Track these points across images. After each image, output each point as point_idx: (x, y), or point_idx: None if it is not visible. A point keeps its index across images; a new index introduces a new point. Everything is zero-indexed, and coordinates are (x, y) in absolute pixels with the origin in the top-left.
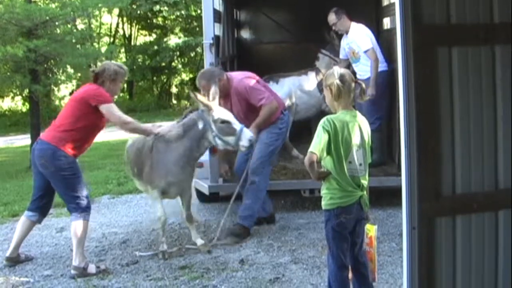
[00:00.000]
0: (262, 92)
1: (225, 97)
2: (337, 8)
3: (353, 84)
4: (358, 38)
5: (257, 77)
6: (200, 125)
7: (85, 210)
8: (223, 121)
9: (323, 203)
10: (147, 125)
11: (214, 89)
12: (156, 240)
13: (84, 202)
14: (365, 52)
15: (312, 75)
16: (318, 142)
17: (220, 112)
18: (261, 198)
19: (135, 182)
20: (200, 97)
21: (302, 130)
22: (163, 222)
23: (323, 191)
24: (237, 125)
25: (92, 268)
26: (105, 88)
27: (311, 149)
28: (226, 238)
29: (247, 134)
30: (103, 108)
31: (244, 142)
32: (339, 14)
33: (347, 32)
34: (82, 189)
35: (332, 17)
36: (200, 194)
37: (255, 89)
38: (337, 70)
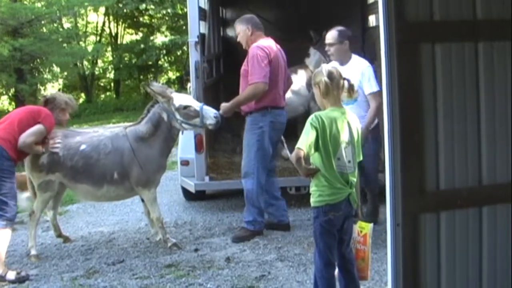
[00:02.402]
0: (260, 70)
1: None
2: (344, 29)
3: (341, 81)
4: (363, 76)
5: (274, 56)
6: (165, 117)
7: (11, 219)
8: (185, 107)
9: (311, 200)
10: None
11: (156, 85)
12: (151, 242)
13: (12, 210)
14: (370, 94)
15: (301, 72)
16: (306, 138)
17: (180, 99)
18: (258, 201)
19: (95, 192)
20: (156, 89)
21: (288, 130)
22: (162, 220)
23: (312, 188)
24: (197, 105)
25: (11, 275)
26: (53, 115)
27: (298, 145)
28: (233, 241)
29: (210, 111)
30: (39, 125)
31: (209, 120)
32: (343, 36)
33: (343, 63)
34: (13, 197)
35: (333, 36)
36: (186, 192)
37: (257, 63)
38: (325, 67)
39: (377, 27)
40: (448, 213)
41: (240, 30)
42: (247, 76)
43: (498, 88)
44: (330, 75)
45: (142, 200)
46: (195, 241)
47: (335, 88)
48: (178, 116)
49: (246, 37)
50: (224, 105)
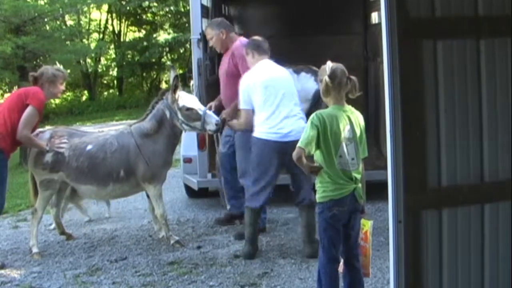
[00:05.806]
0: None
1: (225, 51)
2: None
3: (345, 80)
4: None
5: None
6: (167, 115)
7: None
8: (188, 109)
9: (317, 196)
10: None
11: (173, 73)
12: (154, 239)
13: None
14: None
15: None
16: (306, 137)
17: (185, 100)
18: None
19: (99, 192)
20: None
21: None
22: (166, 217)
23: (317, 185)
24: (201, 110)
25: None
26: (44, 90)
27: (299, 144)
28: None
29: (212, 117)
30: (29, 108)
31: (210, 126)
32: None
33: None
34: (2, 190)
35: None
36: (188, 190)
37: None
38: (329, 65)
39: (379, 24)
40: (450, 209)
41: (213, 34)
42: (233, 76)
43: (500, 85)
44: (332, 73)
45: (148, 196)
46: (197, 239)
47: (336, 87)
48: (180, 116)
49: (220, 40)
50: (225, 112)
